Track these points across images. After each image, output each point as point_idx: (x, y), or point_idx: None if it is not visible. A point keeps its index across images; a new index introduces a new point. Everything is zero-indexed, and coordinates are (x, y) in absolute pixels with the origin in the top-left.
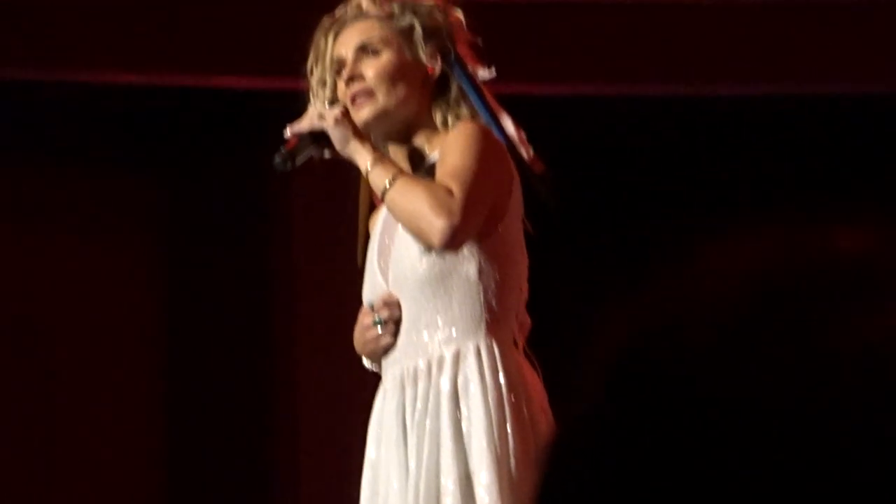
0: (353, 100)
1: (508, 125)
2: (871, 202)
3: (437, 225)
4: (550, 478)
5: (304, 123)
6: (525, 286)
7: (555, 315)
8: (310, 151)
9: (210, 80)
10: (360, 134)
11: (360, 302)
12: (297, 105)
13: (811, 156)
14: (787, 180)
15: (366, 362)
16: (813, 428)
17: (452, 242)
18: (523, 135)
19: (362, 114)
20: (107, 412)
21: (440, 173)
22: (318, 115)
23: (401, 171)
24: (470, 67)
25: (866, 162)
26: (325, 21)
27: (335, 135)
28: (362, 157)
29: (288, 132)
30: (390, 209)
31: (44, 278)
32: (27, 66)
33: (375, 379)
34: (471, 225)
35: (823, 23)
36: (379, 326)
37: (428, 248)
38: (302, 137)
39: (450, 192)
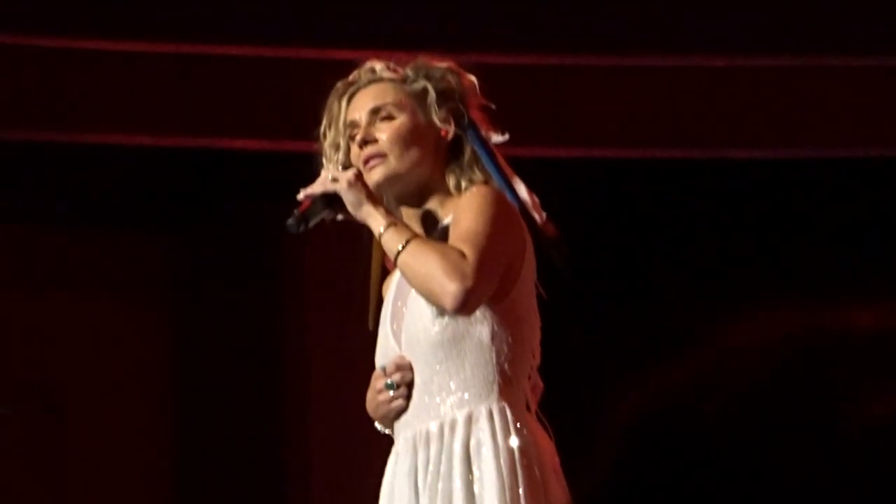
0: (366, 162)
1: (521, 190)
2: (887, 275)
3: (449, 288)
4: None
5: (318, 186)
6: (538, 350)
7: (566, 379)
8: (323, 214)
9: (223, 143)
10: (374, 197)
11: (371, 365)
12: (310, 168)
13: (829, 220)
14: (805, 244)
15: (378, 426)
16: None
17: (465, 306)
18: (536, 199)
19: (374, 176)
20: (119, 473)
21: (453, 236)
22: (331, 178)
23: (414, 235)
24: (483, 131)
25: (886, 227)
26: (340, 86)
27: (348, 198)
28: (376, 221)
29: (301, 195)
30: (403, 272)
31: (56, 339)
32: (41, 128)
33: (387, 441)
34: (484, 288)
35: (843, 86)
36: (391, 390)
37: (441, 311)
38: (315, 200)
39: (463, 255)
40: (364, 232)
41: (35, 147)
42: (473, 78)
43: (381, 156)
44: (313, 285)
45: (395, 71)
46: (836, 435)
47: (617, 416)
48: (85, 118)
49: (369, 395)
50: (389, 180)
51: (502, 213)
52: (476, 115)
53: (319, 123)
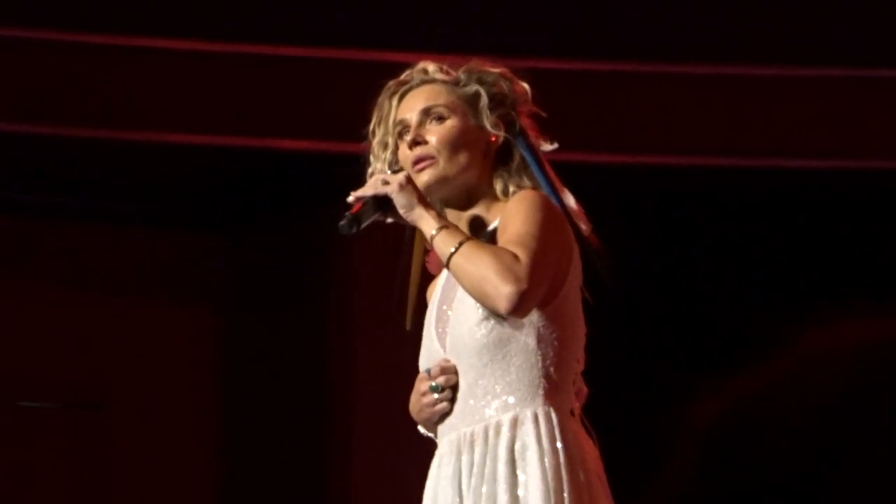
0: (415, 164)
1: (569, 199)
2: None
3: (504, 291)
4: None
5: (369, 188)
6: (582, 355)
7: (612, 384)
8: (374, 216)
9: (275, 143)
10: (425, 200)
11: (416, 369)
12: (360, 170)
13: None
14: (876, 250)
15: (421, 429)
16: None
17: (520, 308)
18: (582, 210)
19: (423, 178)
20: (163, 472)
21: (503, 239)
22: (382, 180)
23: (467, 238)
24: (532, 138)
25: None
26: (391, 84)
27: (400, 200)
28: (427, 224)
29: (352, 197)
30: (455, 274)
31: (104, 338)
32: (95, 126)
33: (431, 445)
34: (537, 291)
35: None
36: (436, 393)
37: (487, 314)
38: (366, 202)
39: (516, 257)
40: (406, 233)
41: (88, 144)
42: (526, 85)
43: (431, 158)
44: (362, 287)
45: (447, 73)
46: None
47: (688, 426)
48: (138, 116)
49: (413, 397)
50: (438, 183)
51: (550, 218)
52: (526, 123)
53: (368, 123)
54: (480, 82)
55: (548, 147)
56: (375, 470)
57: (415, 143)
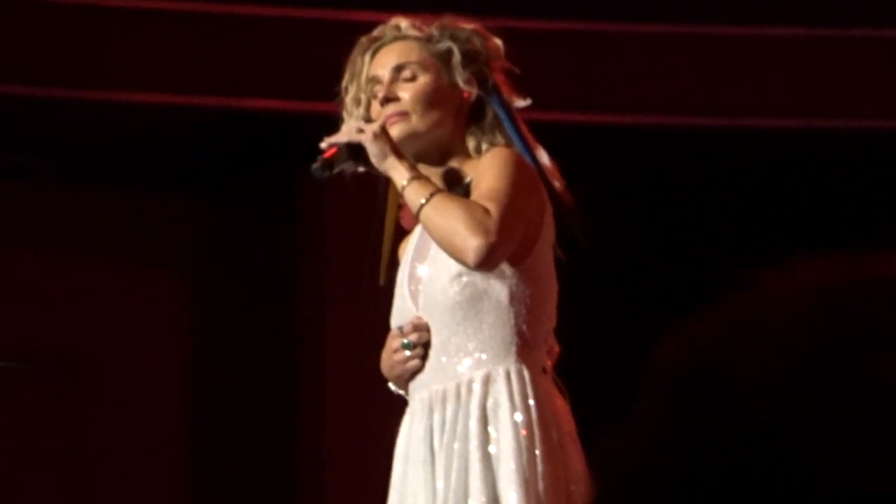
0: (387, 120)
1: (542, 156)
2: None
3: (472, 243)
4: (605, 497)
5: (343, 135)
6: (554, 312)
7: (583, 341)
8: (346, 164)
9: (246, 103)
10: (398, 151)
11: (387, 328)
12: (332, 129)
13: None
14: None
15: (391, 386)
16: (864, 452)
17: (488, 261)
18: (556, 166)
19: (393, 132)
20: (132, 434)
21: (475, 195)
22: (356, 128)
23: (438, 189)
24: (506, 95)
25: None
26: (364, 40)
27: (373, 150)
28: (399, 174)
29: (325, 143)
30: (425, 226)
31: (74, 300)
32: (63, 85)
33: (403, 406)
34: (506, 245)
35: (877, 57)
36: (408, 350)
37: (459, 272)
38: (340, 148)
39: (486, 211)
40: (380, 187)
41: (57, 104)
42: (499, 41)
43: (403, 114)
44: (333, 249)
45: (420, 29)
46: (877, 383)
47: (659, 371)
48: (109, 77)
49: (384, 354)
50: (410, 138)
51: (523, 175)
52: (499, 79)
53: (339, 82)
54: (453, 39)
55: (521, 103)
56: (347, 429)
57: (387, 99)
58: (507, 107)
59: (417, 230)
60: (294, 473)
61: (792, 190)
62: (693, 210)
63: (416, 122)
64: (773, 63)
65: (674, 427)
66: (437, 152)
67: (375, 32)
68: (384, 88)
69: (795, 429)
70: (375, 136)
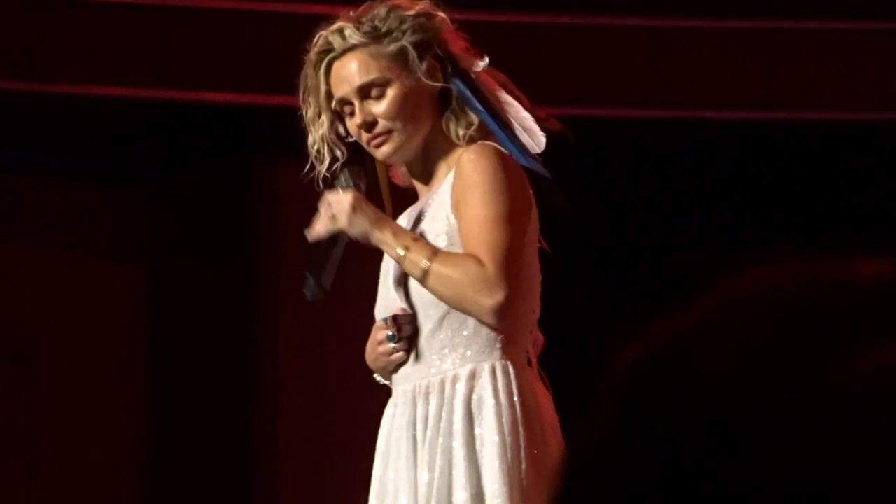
0: (372, 141)
1: (519, 113)
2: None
3: (485, 306)
4: (562, 499)
5: (320, 226)
6: (538, 304)
7: (566, 332)
8: (334, 256)
9: (199, 96)
10: (379, 219)
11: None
12: (286, 122)
13: (829, 184)
14: (804, 206)
15: (377, 377)
16: (821, 457)
17: (505, 315)
18: (536, 120)
19: (384, 151)
20: (87, 425)
21: (464, 229)
22: (330, 216)
23: (433, 253)
24: (465, 67)
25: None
26: (312, 55)
27: (354, 231)
28: (390, 248)
29: (309, 238)
30: (433, 295)
31: (27, 292)
32: (11, 77)
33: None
34: (514, 288)
35: (848, 48)
36: (392, 342)
37: None
38: (322, 245)
39: (483, 265)
40: (365, 161)
41: (5, 95)
42: (442, 13)
43: (387, 133)
44: (285, 236)
45: (364, 31)
46: (834, 388)
47: (618, 372)
48: (60, 67)
49: (369, 346)
50: (400, 151)
51: (507, 183)
52: (455, 48)
53: (295, 79)
54: (401, 31)
55: (480, 65)
56: (302, 418)
57: (366, 124)
58: (471, 87)
59: (403, 220)
60: (250, 461)
61: (779, 183)
62: (682, 200)
63: (401, 135)
64: (759, 55)
65: (629, 425)
66: (423, 149)
67: (319, 43)
68: (358, 115)
69: (751, 428)
70: (350, 217)
